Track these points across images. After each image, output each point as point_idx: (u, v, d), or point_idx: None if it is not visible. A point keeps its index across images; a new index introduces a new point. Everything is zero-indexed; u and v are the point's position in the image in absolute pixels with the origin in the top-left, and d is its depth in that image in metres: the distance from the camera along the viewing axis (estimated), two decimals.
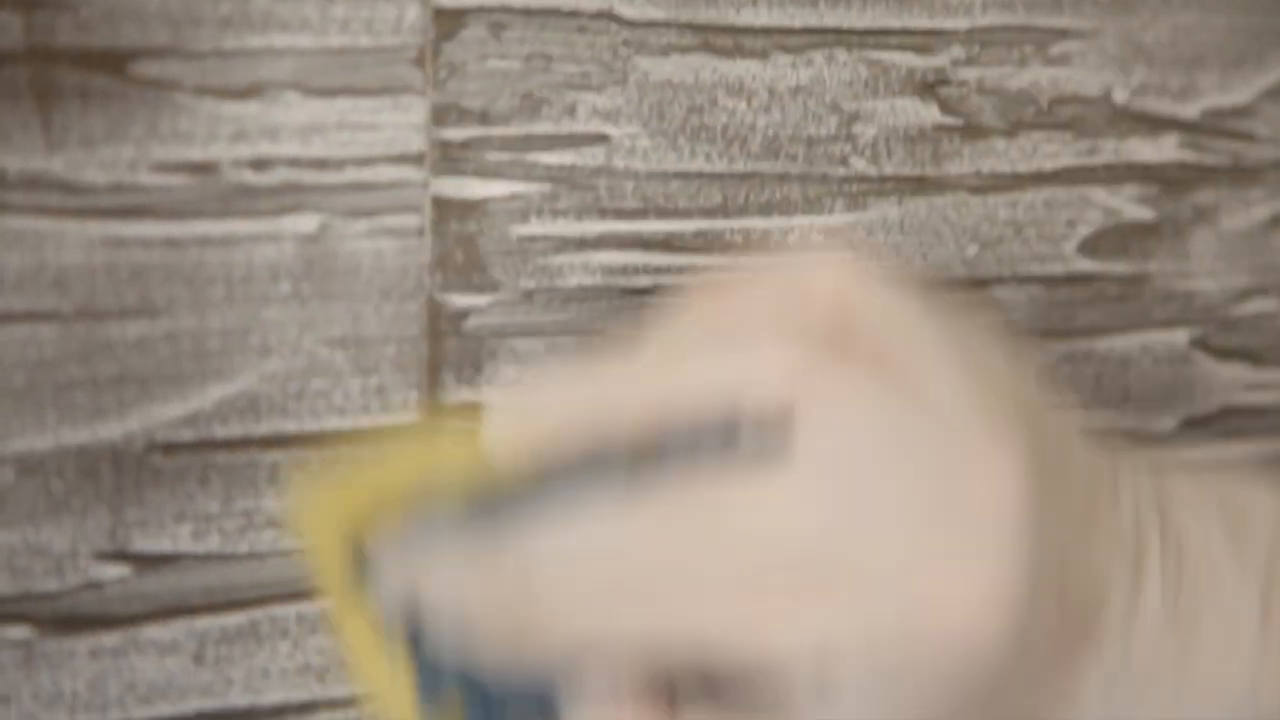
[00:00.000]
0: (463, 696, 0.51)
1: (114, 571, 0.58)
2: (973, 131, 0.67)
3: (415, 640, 0.51)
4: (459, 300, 0.62)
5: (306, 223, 0.60)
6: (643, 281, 0.65)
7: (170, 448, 0.59)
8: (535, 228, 0.63)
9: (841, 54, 0.66)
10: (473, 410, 0.62)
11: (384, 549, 0.51)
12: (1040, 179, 0.69)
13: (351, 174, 0.60)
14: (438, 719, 0.51)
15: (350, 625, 0.53)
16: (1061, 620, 0.47)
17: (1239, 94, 0.71)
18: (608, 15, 0.63)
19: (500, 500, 0.50)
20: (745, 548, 0.44)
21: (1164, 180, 0.71)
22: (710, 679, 0.47)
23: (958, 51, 0.67)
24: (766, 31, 0.65)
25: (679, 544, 0.45)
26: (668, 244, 0.65)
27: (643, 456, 0.47)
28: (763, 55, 0.65)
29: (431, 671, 0.51)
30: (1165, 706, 0.49)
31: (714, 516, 0.45)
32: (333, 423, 0.61)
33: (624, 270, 0.65)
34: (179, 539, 0.59)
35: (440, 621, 0.48)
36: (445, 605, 0.48)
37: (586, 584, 0.45)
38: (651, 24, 0.63)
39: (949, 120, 0.67)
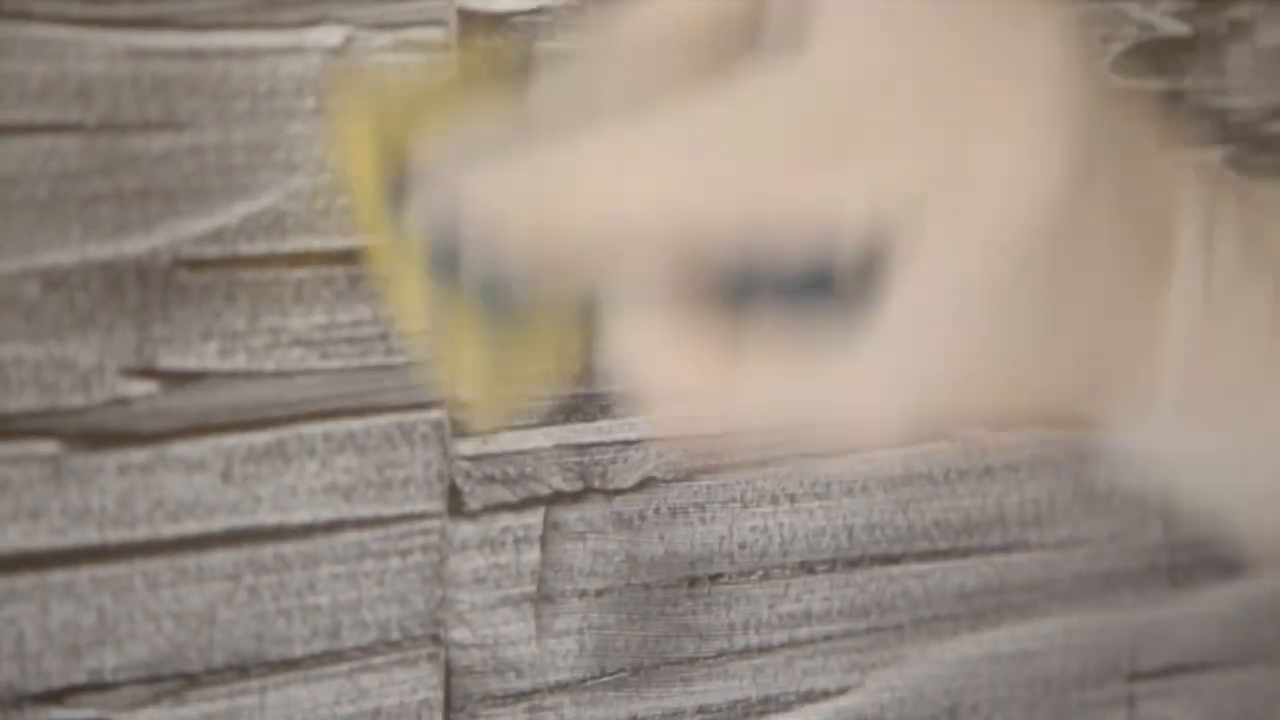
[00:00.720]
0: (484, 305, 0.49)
1: (141, 388, 0.58)
2: None
3: (444, 255, 0.49)
4: None
5: (331, 35, 0.59)
6: None
7: (196, 264, 0.58)
8: (560, 43, 0.62)
9: None
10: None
11: (422, 166, 0.49)
12: None
13: None
14: (462, 328, 0.49)
15: (382, 251, 0.51)
16: (1125, 200, 0.46)
17: None
18: None
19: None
20: (779, 120, 0.44)
21: None
22: (757, 271, 0.46)
23: None
24: None
25: (714, 125, 0.44)
26: None
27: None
28: None
29: (457, 282, 0.48)
30: (1246, 371, 0.49)
31: (754, 96, 0.44)
32: (360, 239, 0.60)
33: None
34: (205, 356, 0.59)
35: (474, 227, 0.46)
36: (479, 208, 0.46)
37: (628, 162, 0.44)
38: None
39: None
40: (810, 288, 0.47)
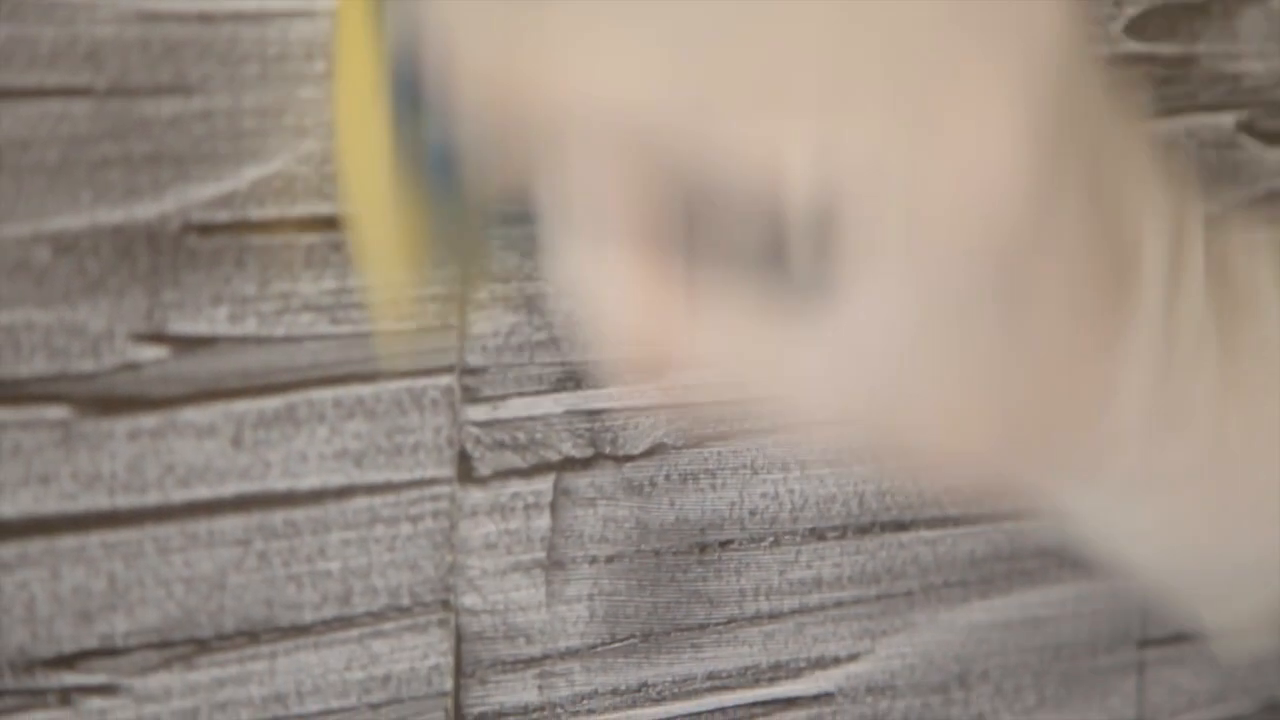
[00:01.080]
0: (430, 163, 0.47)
1: (151, 353, 0.58)
2: None
3: (407, 93, 0.46)
4: None
5: None
6: None
7: (206, 228, 0.58)
8: None
9: None
10: None
11: None
12: None
13: None
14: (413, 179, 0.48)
15: (350, 60, 0.49)
16: (1091, 222, 0.42)
17: None
18: None
19: None
20: (761, 45, 0.40)
21: None
22: (705, 211, 0.43)
23: None
24: None
25: (687, 19, 0.40)
26: None
27: None
28: None
29: (414, 130, 0.47)
30: (1205, 442, 0.46)
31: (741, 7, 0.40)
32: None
33: None
34: (216, 321, 0.59)
35: (433, 56, 0.43)
36: (441, 36, 0.43)
37: (598, 36, 0.41)
38: None
39: None
40: (763, 252, 0.44)
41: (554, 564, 0.65)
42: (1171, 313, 0.44)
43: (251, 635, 0.61)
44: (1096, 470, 0.46)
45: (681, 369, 0.44)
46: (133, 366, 0.58)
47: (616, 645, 0.66)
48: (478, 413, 0.63)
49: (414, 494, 0.62)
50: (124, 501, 0.58)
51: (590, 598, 0.66)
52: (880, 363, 0.43)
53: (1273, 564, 0.48)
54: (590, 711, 0.66)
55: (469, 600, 0.64)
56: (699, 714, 0.68)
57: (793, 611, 0.69)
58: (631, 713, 0.67)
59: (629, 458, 0.66)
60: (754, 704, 0.69)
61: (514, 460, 0.64)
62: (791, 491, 0.68)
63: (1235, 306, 0.46)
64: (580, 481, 0.65)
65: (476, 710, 0.64)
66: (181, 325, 0.58)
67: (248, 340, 0.59)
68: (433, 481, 0.63)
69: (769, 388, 0.44)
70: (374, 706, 0.63)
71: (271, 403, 0.60)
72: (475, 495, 0.63)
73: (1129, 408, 0.44)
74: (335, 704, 0.62)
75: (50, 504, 0.57)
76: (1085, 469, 0.46)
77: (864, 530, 0.70)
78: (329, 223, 0.60)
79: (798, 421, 0.45)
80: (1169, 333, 0.44)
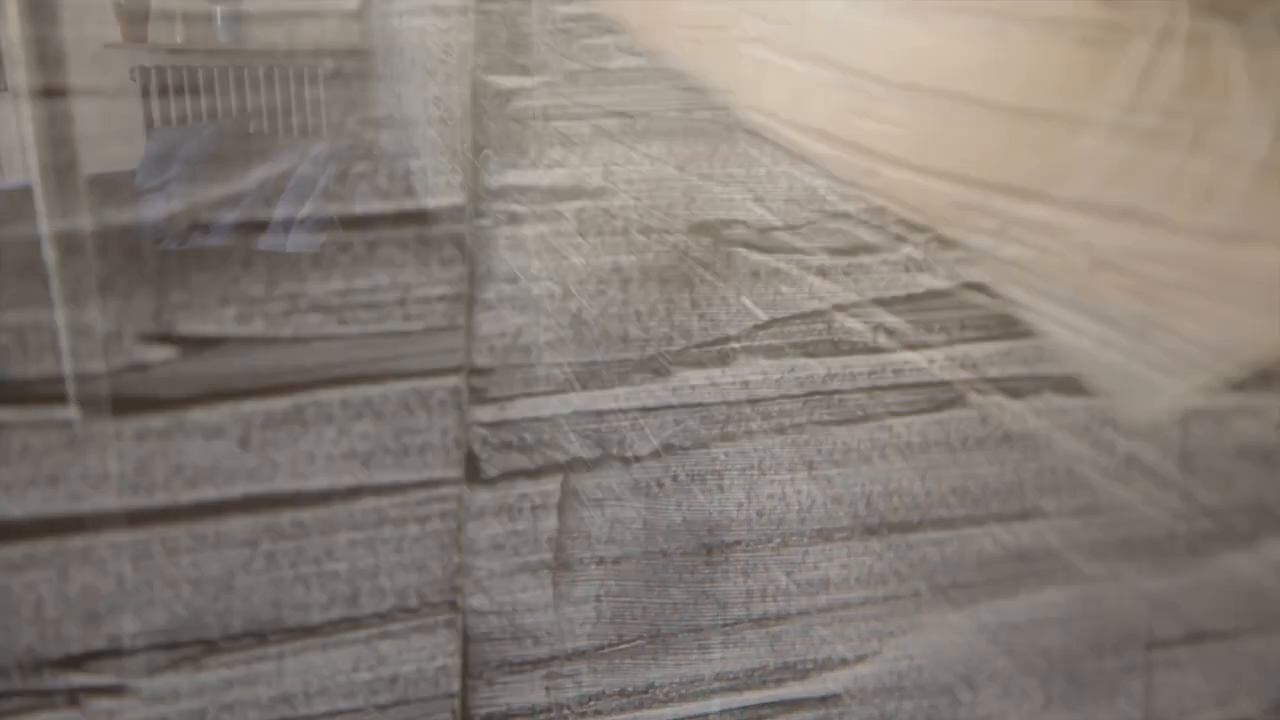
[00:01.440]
0: None
1: (159, 354, 0.58)
2: None
3: None
4: (503, 81, 0.61)
5: None
6: None
7: (214, 229, 0.58)
8: (579, 7, 0.62)
9: None
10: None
11: None
12: None
13: None
14: None
15: None
16: None
17: None
18: None
19: None
20: None
21: None
22: None
23: None
24: None
25: None
26: None
27: None
28: None
29: None
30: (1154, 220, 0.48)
31: None
32: (376, 205, 0.60)
33: None
34: (223, 322, 0.59)
35: None
36: None
37: None
38: None
39: None
40: None
41: (561, 565, 0.65)
42: (1141, 93, 0.46)
43: (259, 636, 0.61)
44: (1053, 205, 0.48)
45: None
46: (141, 367, 0.58)
47: (624, 646, 0.66)
48: (485, 413, 0.63)
49: (421, 495, 0.62)
50: (132, 502, 0.58)
51: (597, 599, 0.66)
52: None
53: (1187, 359, 0.50)
54: (597, 713, 0.66)
55: (476, 601, 0.64)
56: (706, 715, 0.68)
57: (800, 613, 0.69)
58: (639, 714, 0.67)
59: (636, 459, 0.66)
60: (761, 705, 0.69)
61: (521, 461, 0.64)
62: (799, 493, 0.68)
63: (1208, 89, 0.47)
64: (588, 482, 0.65)
65: (484, 711, 0.64)
66: (189, 326, 0.58)
67: (255, 341, 0.59)
68: (440, 482, 0.62)
69: None
70: (381, 707, 0.63)
71: (279, 403, 0.60)
72: (482, 496, 0.63)
73: (1088, 171, 0.46)
74: (343, 705, 0.62)
75: (58, 505, 0.57)
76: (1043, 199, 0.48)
77: (871, 532, 0.70)
78: (336, 223, 0.59)
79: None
80: (1136, 106, 0.46)
